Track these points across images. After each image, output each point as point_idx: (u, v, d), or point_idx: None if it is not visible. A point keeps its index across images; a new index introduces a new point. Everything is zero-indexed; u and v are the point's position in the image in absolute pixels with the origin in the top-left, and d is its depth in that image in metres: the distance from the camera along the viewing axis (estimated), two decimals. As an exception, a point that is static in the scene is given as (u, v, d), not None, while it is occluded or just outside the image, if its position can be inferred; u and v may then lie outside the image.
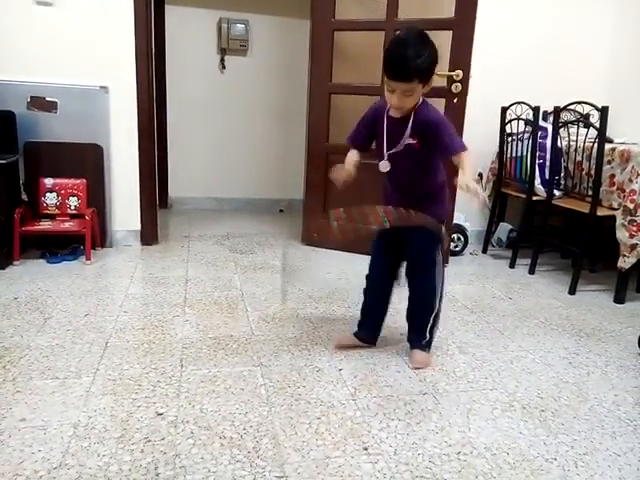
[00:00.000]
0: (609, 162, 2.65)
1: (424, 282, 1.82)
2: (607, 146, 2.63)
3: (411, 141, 1.66)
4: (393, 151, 1.70)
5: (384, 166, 1.72)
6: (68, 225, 2.82)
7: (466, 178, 1.57)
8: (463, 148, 1.65)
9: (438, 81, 2.89)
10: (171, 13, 4.03)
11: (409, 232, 1.78)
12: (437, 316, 1.87)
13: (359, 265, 2.00)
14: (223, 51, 4.25)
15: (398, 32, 1.68)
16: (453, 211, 2.97)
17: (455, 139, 1.67)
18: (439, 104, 2.90)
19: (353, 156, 1.76)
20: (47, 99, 2.84)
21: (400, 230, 1.79)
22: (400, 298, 1.90)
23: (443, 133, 1.65)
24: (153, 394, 1.56)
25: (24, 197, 2.86)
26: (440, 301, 1.86)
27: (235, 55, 4.28)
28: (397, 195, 1.79)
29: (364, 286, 1.95)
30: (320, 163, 3.19)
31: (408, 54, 1.54)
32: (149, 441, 1.35)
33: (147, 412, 1.47)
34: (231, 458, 1.30)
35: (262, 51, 4.31)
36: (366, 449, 1.37)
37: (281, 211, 4.51)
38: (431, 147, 1.67)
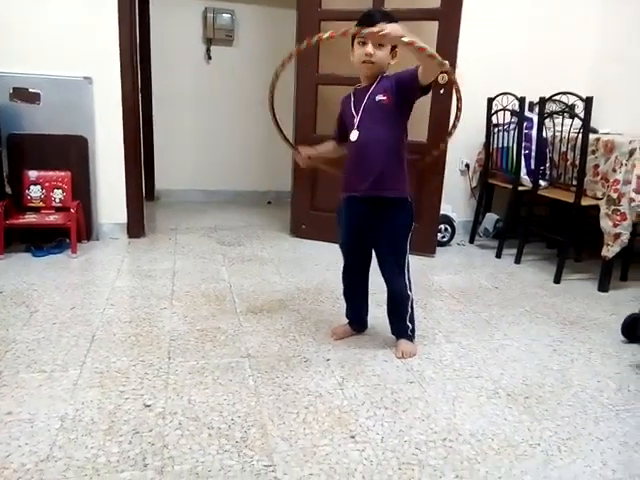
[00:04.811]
0: (593, 152, 2.68)
1: (400, 274, 1.82)
2: (591, 136, 2.65)
3: (382, 97, 1.72)
4: (362, 111, 1.76)
5: (354, 135, 1.78)
6: (53, 218, 2.79)
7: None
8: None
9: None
10: (156, 3, 3.98)
11: (378, 227, 1.78)
12: (412, 303, 1.88)
13: (346, 256, 1.99)
14: (209, 41, 4.22)
15: None
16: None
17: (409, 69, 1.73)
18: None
19: (310, 150, 1.99)
20: (30, 90, 2.80)
21: (368, 227, 1.79)
22: (382, 289, 1.90)
23: (401, 73, 1.72)
24: (141, 386, 1.56)
25: (8, 190, 2.83)
26: (411, 288, 1.87)
27: (221, 45, 4.25)
28: (361, 171, 1.77)
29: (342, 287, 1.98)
30: (307, 154, 3.18)
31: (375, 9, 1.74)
32: (137, 432, 1.35)
33: (135, 404, 1.47)
34: (219, 448, 1.31)
35: (248, 41, 4.29)
36: (353, 437, 1.38)
37: (269, 203, 4.50)
38: (400, 100, 1.71)
